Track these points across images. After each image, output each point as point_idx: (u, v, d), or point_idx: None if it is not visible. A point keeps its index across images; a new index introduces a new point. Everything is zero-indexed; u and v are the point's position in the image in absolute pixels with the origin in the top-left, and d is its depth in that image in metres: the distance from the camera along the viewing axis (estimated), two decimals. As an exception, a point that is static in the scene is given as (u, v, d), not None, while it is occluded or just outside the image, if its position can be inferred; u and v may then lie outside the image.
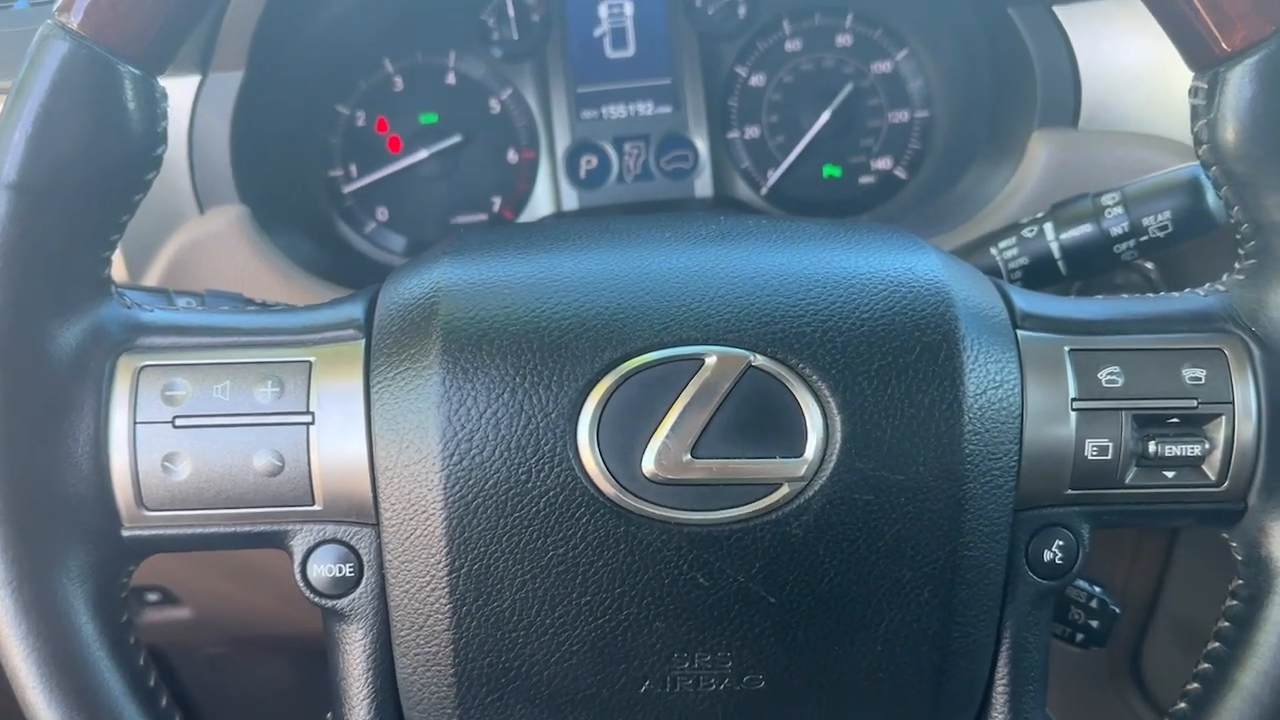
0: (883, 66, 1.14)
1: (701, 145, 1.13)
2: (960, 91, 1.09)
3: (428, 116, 1.12)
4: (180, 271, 0.87)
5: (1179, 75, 0.76)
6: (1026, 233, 0.80)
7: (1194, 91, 0.57)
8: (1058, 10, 0.88)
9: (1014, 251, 0.80)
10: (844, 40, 1.14)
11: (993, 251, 0.81)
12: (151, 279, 0.88)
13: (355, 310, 0.59)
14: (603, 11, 1.14)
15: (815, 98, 1.13)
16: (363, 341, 0.57)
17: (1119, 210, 0.76)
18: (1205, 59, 0.55)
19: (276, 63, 0.95)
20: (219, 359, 0.56)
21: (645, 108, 1.14)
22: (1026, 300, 0.60)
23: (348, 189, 1.12)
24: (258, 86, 0.90)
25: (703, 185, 1.13)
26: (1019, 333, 0.58)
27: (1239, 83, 0.54)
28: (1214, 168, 0.57)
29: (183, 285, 0.86)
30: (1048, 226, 0.79)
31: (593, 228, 0.63)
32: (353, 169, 1.12)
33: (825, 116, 1.12)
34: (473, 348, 0.54)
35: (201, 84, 0.88)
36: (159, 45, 0.53)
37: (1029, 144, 0.90)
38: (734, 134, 1.15)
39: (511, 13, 1.12)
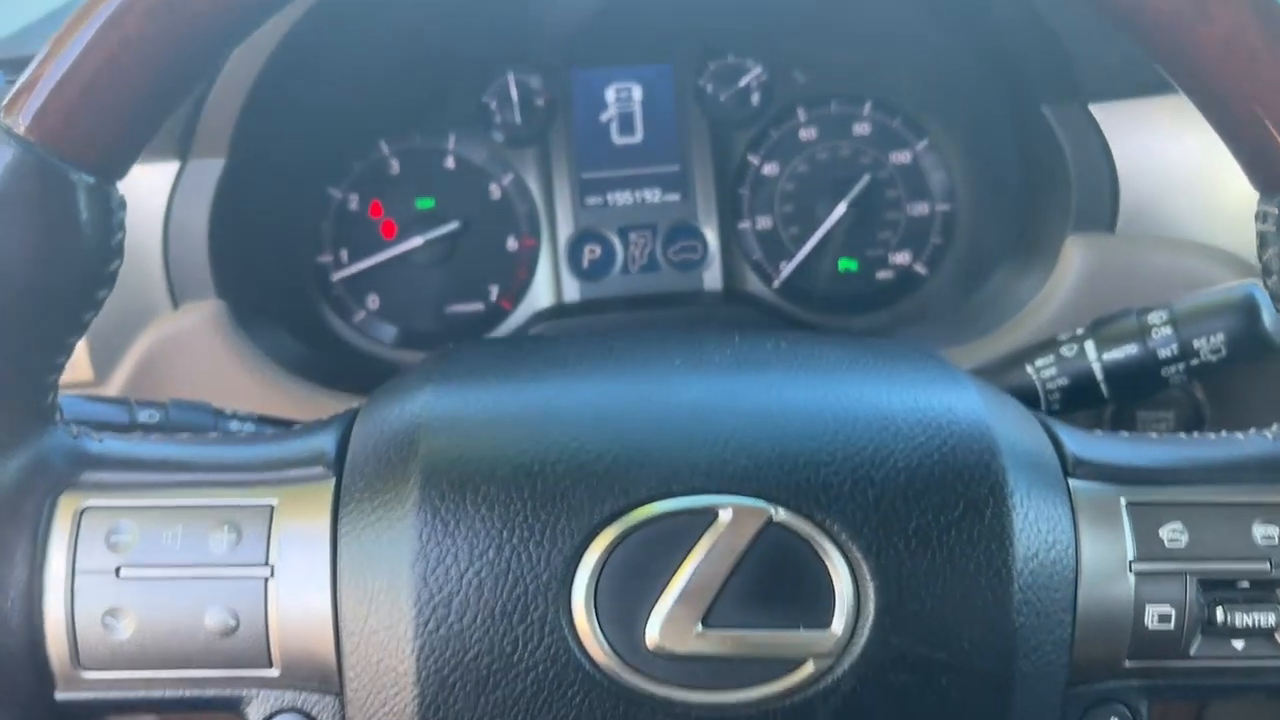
0: (902, 157, 1.09)
1: (711, 236, 1.07)
2: (986, 187, 1.04)
3: (424, 201, 1.07)
4: (150, 371, 0.81)
5: (1227, 181, 0.70)
6: (1066, 351, 0.74)
7: (1262, 216, 0.51)
8: (1094, 109, 0.83)
9: (1052, 371, 0.74)
10: (861, 129, 1.10)
11: (1029, 370, 0.75)
12: (119, 379, 0.82)
13: (326, 442, 0.53)
14: (610, 96, 1.10)
15: (831, 188, 1.08)
16: (332, 481, 0.51)
17: (1167, 330, 0.70)
18: (1277, 182, 0.50)
19: (263, 146, 0.90)
20: (171, 500, 0.50)
21: (652, 195, 1.09)
22: (1078, 442, 0.54)
23: (337, 276, 1.06)
24: (242, 173, 0.85)
25: (712, 278, 1.07)
26: (1071, 481, 0.52)
27: None
28: (1274, 277, 0.52)
29: (153, 385, 0.80)
30: (1089, 345, 0.73)
31: (593, 350, 0.57)
32: (343, 255, 1.06)
33: (841, 208, 1.07)
34: (455, 495, 0.47)
35: (180, 171, 0.83)
36: (118, 151, 0.48)
37: (1063, 249, 0.85)
38: (745, 224, 1.10)
39: (515, 96, 1.07)
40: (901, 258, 1.09)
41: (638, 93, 1.10)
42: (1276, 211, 0.50)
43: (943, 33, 0.92)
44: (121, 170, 0.48)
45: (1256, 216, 0.52)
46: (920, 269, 1.09)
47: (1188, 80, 0.50)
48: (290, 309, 0.97)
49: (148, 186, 0.82)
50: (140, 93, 0.46)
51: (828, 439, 0.49)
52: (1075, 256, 0.84)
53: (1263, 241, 0.52)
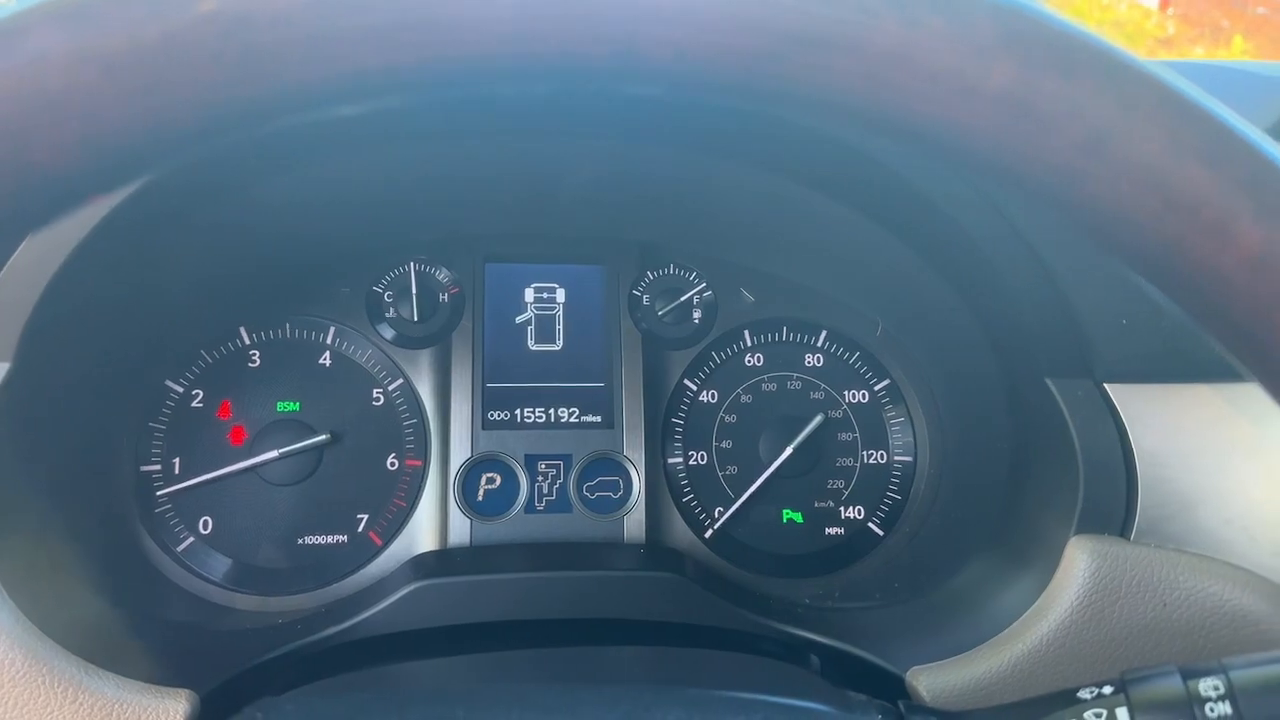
0: (858, 396, 0.95)
1: (635, 473, 0.89)
2: (961, 451, 0.89)
3: (287, 404, 0.87)
4: None
5: (1271, 494, 0.56)
6: (1092, 716, 0.57)
7: None
8: (1112, 390, 0.69)
9: (1077, 742, 0.57)
10: (814, 360, 0.95)
11: (1044, 734, 0.58)
12: None
13: None
14: (528, 296, 0.93)
15: (778, 425, 0.93)
16: None
17: (1225, 708, 0.54)
18: None
19: (72, 337, 0.69)
20: None
21: (569, 414, 0.91)
22: None
23: (165, 491, 0.84)
24: (36, 376, 0.64)
25: (633, 524, 0.89)
26: None
27: None
28: None
29: None
30: (1122, 715, 0.56)
31: None
32: (176, 465, 0.85)
33: (788, 451, 0.91)
34: None
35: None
36: None
37: (1065, 552, 0.69)
38: (676, 459, 0.92)
39: (414, 289, 0.90)
40: (853, 512, 0.93)
41: (561, 295, 0.94)
42: None
43: (932, 274, 0.78)
44: None
45: None
46: (874, 528, 0.93)
47: None
48: (84, 546, 0.74)
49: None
50: None
51: None
52: (1080, 563, 0.68)
53: None
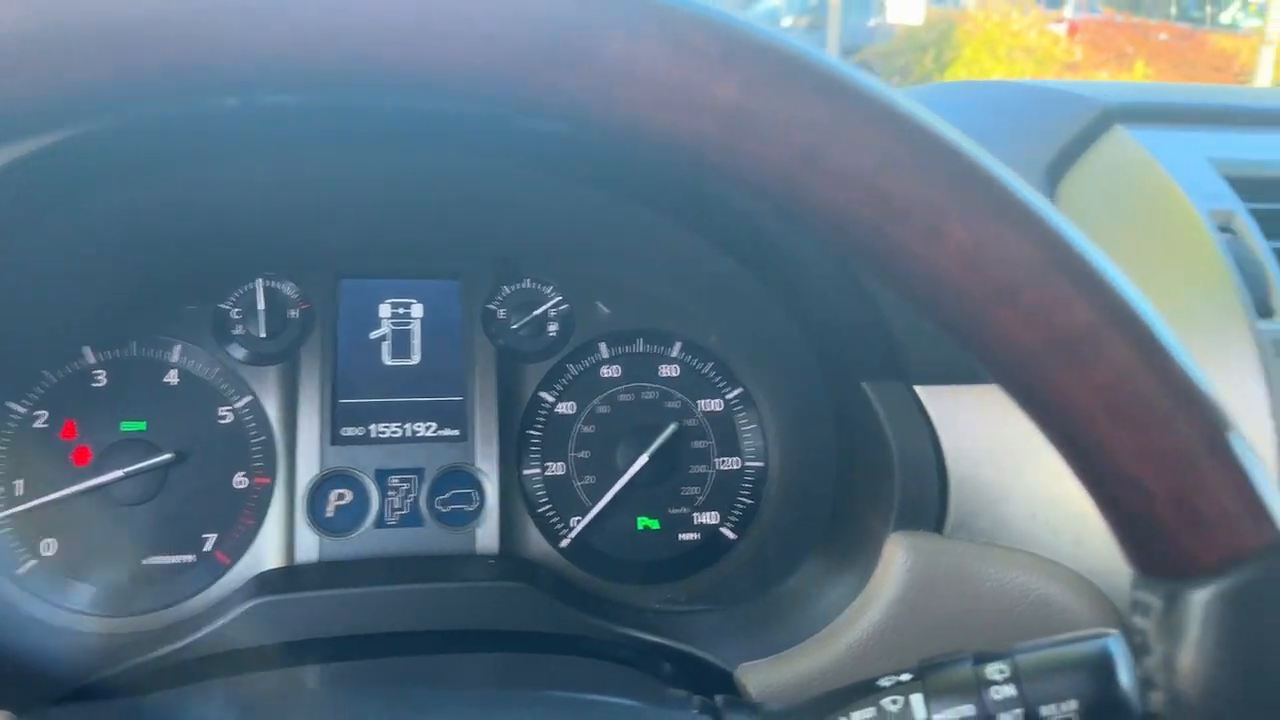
0: (712, 405, 0.97)
1: (489, 484, 0.90)
2: (801, 455, 0.92)
3: (133, 424, 0.87)
4: None
5: (1070, 489, 0.59)
6: (889, 704, 0.59)
7: (1141, 608, 0.40)
8: (921, 392, 0.72)
9: (873, 728, 0.59)
10: (669, 371, 0.97)
11: (843, 723, 0.60)
12: None
13: None
14: (384, 311, 0.94)
15: (634, 434, 0.94)
16: None
17: (1010, 690, 0.57)
18: (1160, 568, 0.38)
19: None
20: None
21: (425, 429, 0.92)
22: None
23: (6, 513, 0.83)
24: None
25: (486, 535, 0.90)
26: None
27: (1210, 608, 0.37)
28: (1158, 692, 0.40)
29: None
30: (916, 700, 0.58)
31: None
32: (18, 486, 0.84)
33: (644, 459, 0.93)
34: None
35: None
36: None
37: (884, 548, 0.72)
38: (533, 470, 0.94)
39: (261, 305, 0.90)
40: (708, 517, 0.95)
41: (418, 309, 0.94)
42: (1160, 603, 0.38)
43: (757, 284, 0.81)
44: None
45: (1132, 605, 0.40)
46: (728, 532, 0.95)
47: (1042, 412, 0.39)
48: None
49: None
50: None
51: None
52: (897, 559, 0.71)
53: (1143, 645, 0.39)
